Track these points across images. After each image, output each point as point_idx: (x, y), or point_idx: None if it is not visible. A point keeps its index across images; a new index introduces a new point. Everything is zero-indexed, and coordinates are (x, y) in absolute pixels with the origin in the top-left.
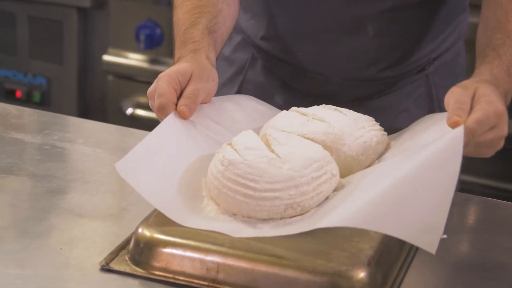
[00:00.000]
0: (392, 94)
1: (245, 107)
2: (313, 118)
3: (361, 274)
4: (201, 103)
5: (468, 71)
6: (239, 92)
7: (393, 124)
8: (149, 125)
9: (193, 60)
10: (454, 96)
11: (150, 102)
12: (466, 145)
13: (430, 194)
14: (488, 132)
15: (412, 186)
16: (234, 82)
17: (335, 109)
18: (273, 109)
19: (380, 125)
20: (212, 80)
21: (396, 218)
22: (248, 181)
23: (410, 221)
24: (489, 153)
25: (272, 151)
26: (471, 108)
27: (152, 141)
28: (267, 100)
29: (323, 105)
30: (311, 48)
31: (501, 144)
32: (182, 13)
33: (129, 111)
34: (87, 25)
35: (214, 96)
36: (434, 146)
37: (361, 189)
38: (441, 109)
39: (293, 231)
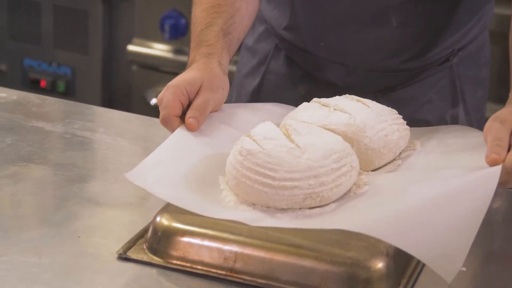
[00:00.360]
0: (415, 85)
1: (259, 110)
2: (334, 109)
3: (379, 265)
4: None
5: (493, 62)
6: (261, 83)
7: (416, 115)
8: None
9: (204, 68)
10: (493, 131)
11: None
12: (503, 182)
13: (457, 223)
14: None
15: (441, 212)
16: (257, 73)
17: (358, 100)
18: (289, 108)
19: (403, 116)
20: (222, 89)
21: (420, 239)
22: (267, 170)
23: (432, 245)
24: None
25: (292, 141)
26: (510, 145)
27: (163, 149)
28: (290, 91)
29: (346, 95)
30: (334, 38)
31: None
32: (199, 11)
33: (154, 101)
34: (112, 15)
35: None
36: (470, 176)
37: (388, 197)
38: (465, 101)
39: (313, 225)
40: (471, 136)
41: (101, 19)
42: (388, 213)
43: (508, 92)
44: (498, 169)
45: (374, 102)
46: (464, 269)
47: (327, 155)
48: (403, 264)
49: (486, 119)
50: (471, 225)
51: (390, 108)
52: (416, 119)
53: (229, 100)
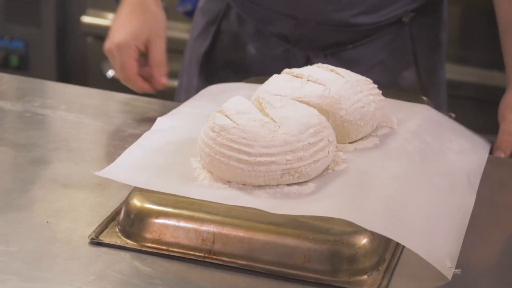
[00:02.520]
0: (366, 45)
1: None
2: (308, 80)
3: (364, 241)
4: None
5: (452, 23)
6: (213, 43)
7: (367, 76)
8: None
9: (142, 10)
10: (506, 123)
11: (110, 59)
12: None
13: (448, 217)
14: None
15: (430, 203)
16: (208, 34)
17: (332, 70)
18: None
19: None
20: (164, 27)
21: (417, 233)
22: (242, 146)
23: (427, 238)
24: None
25: (266, 114)
26: None
27: (133, 148)
28: (241, 50)
29: (319, 64)
30: None
31: None
32: None
33: (110, 73)
34: None
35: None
36: (459, 175)
37: (370, 182)
38: (417, 63)
39: (295, 211)
40: (447, 135)
41: None
42: (381, 208)
43: (466, 52)
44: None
45: (348, 72)
46: (459, 271)
47: (303, 129)
48: (386, 239)
49: (442, 84)
50: (461, 220)
51: (365, 77)
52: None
53: (182, 66)
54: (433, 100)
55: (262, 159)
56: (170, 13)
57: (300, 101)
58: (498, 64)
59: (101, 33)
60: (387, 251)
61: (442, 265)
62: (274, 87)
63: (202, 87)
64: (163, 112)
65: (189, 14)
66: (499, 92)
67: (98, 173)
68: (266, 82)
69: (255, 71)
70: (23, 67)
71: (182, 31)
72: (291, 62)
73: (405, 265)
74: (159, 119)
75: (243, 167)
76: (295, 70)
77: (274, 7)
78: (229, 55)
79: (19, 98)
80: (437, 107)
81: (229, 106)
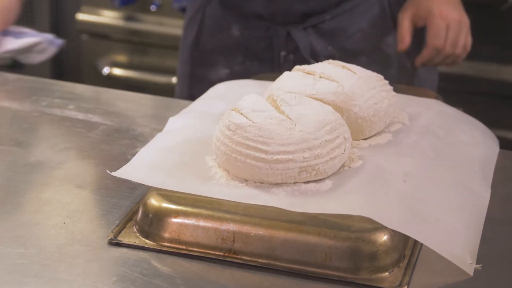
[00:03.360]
0: (345, 15)
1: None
2: (320, 77)
3: (384, 237)
4: None
5: None
6: (200, 29)
7: (348, 45)
8: (127, 84)
9: None
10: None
11: None
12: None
13: (464, 215)
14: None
15: (447, 202)
16: (195, 21)
17: (343, 66)
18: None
19: (335, 47)
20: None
21: (435, 230)
22: (259, 144)
23: (447, 237)
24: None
25: (282, 112)
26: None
27: (147, 148)
28: (225, 32)
29: (330, 60)
30: None
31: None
32: None
33: (106, 70)
34: None
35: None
36: (473, 169)
37: (387, 179)
38: (397, 27)
39: (315, 209)
40: (460, 128)
41: None
42: (392, 198)
43: (477, 48)
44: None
45: (360, 68)
46: (479, 266)
47: (320, 126)
48: (406, 235)
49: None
50: (478, 215)
51: (376, 73)
52: (348, 49)
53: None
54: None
55: (279, 157)
56: (165, 9)
57: (314, 98)
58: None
59: (96, 31)
60: (407, 247)
61: (463, 262)
62: (287, 84)
63: (195, 74)
64: (169, 109)
65: (185, 11)
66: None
67: (114, 173)
68: (278, 79)
69: (241, 52)
70: (18, 66)
71: (177, 28)
72: (274, 40)
73: (426, 260)
74: (170, 119)
75: (260, 165)
76: (306, 67)
77: None
78: (215, 39)
79: (26, 97)
80: (426, 73)
81: (244, 104)
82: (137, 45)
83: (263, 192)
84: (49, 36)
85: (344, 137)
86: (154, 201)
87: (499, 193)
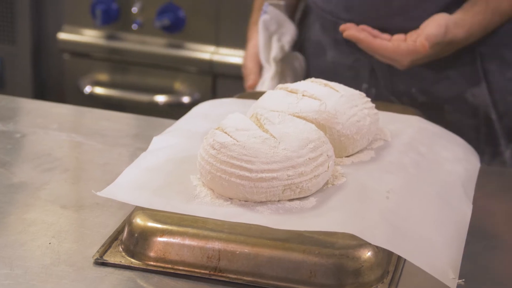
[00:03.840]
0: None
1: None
2: (303, 96)
3: (368, 254)
4: None
5: None
6: (300, 50)
7: (433, 90)
8: (108, 103)
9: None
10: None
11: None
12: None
13: (447, 231)
14: None
15: (429, 217)
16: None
17: (326, 84)
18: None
19: (418, 89)
20: None
21: (418, 246)
22: (243, 162)
23: (429, 251)
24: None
25: (266, 131)
26: None
27: (132, 167)
28: (321, 57)
29: (313, 78)
30: None
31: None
32: None
33: (88, 89)
34: (40, 2)
35: None
36: (455, 185)
37: (370, 195)
38: (489, 80)
39: (299, 226)
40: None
41: (28, 6)
42: (376, 215)
43: None
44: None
45: (342, 86)
46: (462, 281)
47: (303, 144)
48: (389, 251)
49: None
50: (460, 230)
51: (358, 91)
52: (432, 94)
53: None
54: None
55: (263, 175)
56: (147, 28)
57: (297, 117)
58: None
59: (77, 49)
60: (390, 263)
61: (446, 277)
62: (271, 103)
63: None
64: (152, 128)
65: (167, 29)
66: None
67: (99, 193)
68: (261, 98)
69: (331, 78)
70: None
71: (159, 46)
72: (360, 71)
73: (409, 276)
74: (155, 138)
75: (245, 183)
76: (289, 85)
77: (335, 13)
78: (311, 62)
79: (10, 118)
80: None
81: (228, 123)
82: (119, 63)
83: (248, 210)
84: None
85: (327, 155)
86: (139, 221)
87: (480, 208)
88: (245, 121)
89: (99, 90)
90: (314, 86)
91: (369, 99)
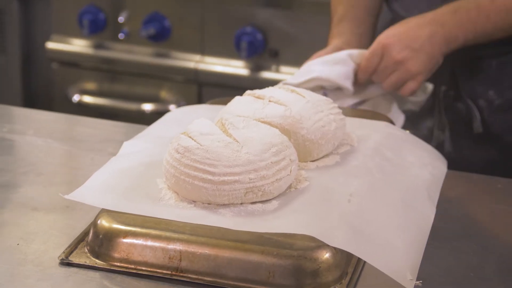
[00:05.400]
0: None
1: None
2: (269, 101)
3: (326, 255)
4: None
5: None
6: None
7: (510, 95)
8: (96, 111)
9: None
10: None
11: None
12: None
13: (407, 233)
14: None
15: (390, 220)
16: None
17: (293, 91)
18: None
19: (495, 92)
20: None
21: (377, 247)
22: (206, 166)
23: (388, 253)
24: (395, 79)
25: (230, 135)
26: None
27: (100, 171)
28: None
29: (281, 84)
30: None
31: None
32: None
33: (76, 98)
34: (29, 12)
35: None
36: (419, 189)
37: (331, 198)
38: None
39: (260, 228)
40: (408, 149)
41: (17, 16)
42: (336, 217)
43: None
44: (439, 183)
45: (309, 92)
46: (420, 282)
47: (266, 148)
48: (348, 253)
49: None
50: (422, 233)
51: (325, 97)
52: (509, 96)
53: None
54: None
55: (225, 178)
56: (133, 37)
57: (262, 122)
58: None
59: (65, 59)
60: (350, 265)
61: (403, 278)
62: (237, 108)
63: None
64: (128, 135)
65: (152, 38)
66: None
67: (67, 196)
68: (229, 104)
69: None
70: None
71: (146, 55)
72: (440, 73)
73: (368, 278)
74: (125, 143)
75: (208, 186)
76: (257, 91)
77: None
78: None
79: None
80: None
81: (193, 128)
82: (107, 72)
83: (211, 212)
84: None
85: (290, 159)
86: (104, 222)
87: (444, 212)
88: (210, 126)
89: (87, 99)
90: (281, 92)
91: (336, 105)
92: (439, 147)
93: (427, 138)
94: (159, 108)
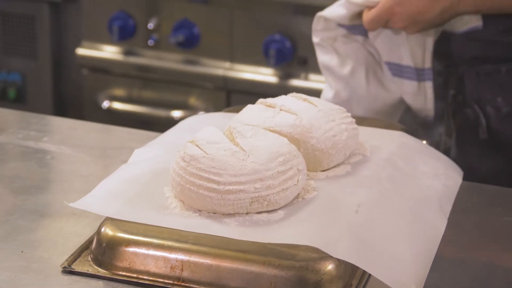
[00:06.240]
0: None
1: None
2: (280, 110)
3: (329, 267)
4: None
5: None
6: None
7: None
8: (125, 118)
9: None
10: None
11: None
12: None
13: (414, 249)
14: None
15: (399, 234)
16: None
17: (305, 99)
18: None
19: (504, 99)
20: None
21: (383, 259)
22: (212, 174)
23: (393, 267)
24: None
25: (236, 144)
26: None
27: (109, 179)
28: None
29: (294, 93)
30: None
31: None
32: None
33: (106, 104)
34: (59, 18)
35: None
36: (430, 201)
37: (339, 209)
38: None
39: (263, 238)
40: (422, 159)
41: (48, 23)
42: (342, 228)
43: None
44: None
45: (322, 101)
46: None
47: (273, 158)
48: (353, 265)
49: None
50: (430, 245)
51: (338, 106)
52: None
53: None
54: None
55: (231, 187)
56: (163, 44)
57: (272, 131)
58: None
59: (96, 65)
60: (354, 277)
61: None
62: (248, 117)
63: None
64: (142, 142)
65: (181, 45)
66: None
67: (72, 205)
68: (241, 112)
69: None
70: (20, 100)
71: (175, 62)
72: (448, 77)
73: None
74: (136, 151)
75: (213, 195)
76: (269, 100)
77: None
78: None
79: (3, 130)
80: None
81: (200, 136)
82: (136, 79)
83: (215, 222)
84: None
85: (298, 169)
86: (107, 230)
87: (455, 224)
88: (217, 135)
89: (116, 105)
90: (293, 100)
91: (348, 114)
92: (446, 153)
93: (439, 144)
94: (188, 115)
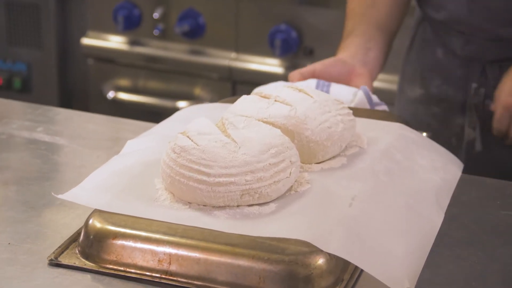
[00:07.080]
0: None
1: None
2: (275, 101)
3: (319, 261)
4: None
5: None
6: (411, 46)
7: None
8: (131, 108)
9: None
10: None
11: None
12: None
13: (408, 243)
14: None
15: (392, 228)
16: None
17: (300, 90)
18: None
19: None
20: None
21: (375, 254)
22: (202, 166)
23: (384, 261)
24: None
25: (228, 135)
26: None
27: (99, 170)
28: (430, 53)
29: (289, 83)
30: (452, 6)
31: None
32: None
33: (111, 94)
34: (65, 8)
35: None
36: (427, 194)
37: (331, 203)
38: None
39: (253, 232)
40: (420, 152)
41: (53, 12)
42: (334, 222)
43: None
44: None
45: (318, 91)
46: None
47: (265, 149)
48: (345, 259)
49: None
50: (425, 239)
51: (335, 97)
52: None
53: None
54: None
55: (221, 179)
56: (169, 34)
57: (265, 122)
58: None
59: (101, 55)
60: (346, 272)
61: (400, 286)
62: (241, 108)
63: None
64: (137, 133)
65: (187, 35)
66: None
67: (60, 196)
68: (235, 103)
69: (441, 75)
70: (26, 90)
71: (180, 52)
72: (470, 69)
73: (364, 285)
74: (128, 142)
75: (203, 187)
76: (264, 91)
77: (447, 21)
78: (421, 57)
79: None
80: None
81: (191, 127)
82: (141, 69)
83: (205, 214)
84: None
85: (290, 161)
86: (95, 223)
87: (452, 217)
88: (208, 126)
89: (122, 96)
90: (289, 91)
91: (345, 105)
92: (469, 145)
93: (459, 136)
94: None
